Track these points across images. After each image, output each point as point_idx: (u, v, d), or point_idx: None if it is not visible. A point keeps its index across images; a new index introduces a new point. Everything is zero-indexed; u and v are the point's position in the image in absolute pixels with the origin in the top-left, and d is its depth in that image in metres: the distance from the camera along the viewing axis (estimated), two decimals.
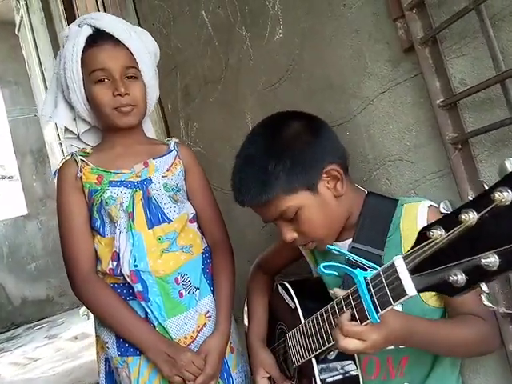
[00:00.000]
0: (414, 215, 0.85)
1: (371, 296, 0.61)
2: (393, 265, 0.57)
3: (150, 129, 1.30)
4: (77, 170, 1.09)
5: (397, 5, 0.93)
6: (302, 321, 0.86)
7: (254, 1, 1.34)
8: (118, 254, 1.05)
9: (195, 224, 1.18)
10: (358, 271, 0.65)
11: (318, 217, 0.86)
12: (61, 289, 4.85)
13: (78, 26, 1.14)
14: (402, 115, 0.99)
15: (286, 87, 1.30)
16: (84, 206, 1.10)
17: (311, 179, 0.84)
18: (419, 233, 0.54)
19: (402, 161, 1.02)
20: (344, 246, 0.91)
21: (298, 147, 0.85)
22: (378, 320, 0.62)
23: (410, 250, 0.55)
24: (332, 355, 0.80)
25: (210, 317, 1.11)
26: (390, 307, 0.59)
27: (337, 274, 0.69)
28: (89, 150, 1.15)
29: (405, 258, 0.55)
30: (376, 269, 0.65)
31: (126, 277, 1.04)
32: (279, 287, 1.03)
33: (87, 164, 1.10)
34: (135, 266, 1.04)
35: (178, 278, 1.08)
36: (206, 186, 1.22)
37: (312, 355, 0.80)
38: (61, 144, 3.56)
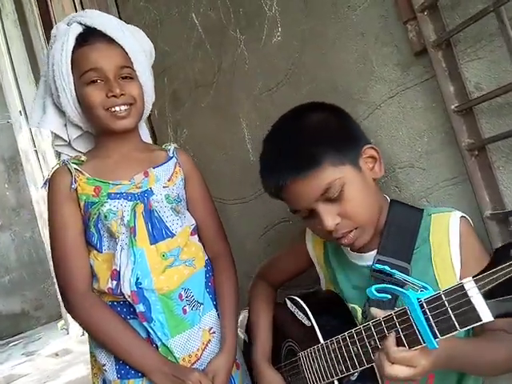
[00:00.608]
0: (445, 227, 0.81)
1: (427, 319, 0.57)
2: (461, 287, 0.53)
3: (147, 133, 1.24)
4: (71, 180, 1.01)
5: (407, 7, 0.90)
6: (321, 340, 0.81)
7: (249, 3, 1.30)
8: (119, 273, 0.98)
9: (196, 236, 1.12)
10: (410, 292, 0.60)
11: (361, 196, 0.82)
12: (36, 302, 4.65)
13: (67, 24, 1.06)
14: (413, 121, 0.96)
15: (285, 91, 1.25)
16: (79, 219, 1.02)
17: (354, 155, 0.83)
18: (495, 253, 0.49)
19: (412, 168, 0.98)
20: (369, 257, 0.87)
21: (338, 124, 0.85)
22: (437, 346, 0.57)
23: (484, 271, 0.50)
24: (354, 376, 0.75)
25: (214, 333, 1.06)
26: (453, 333, 0.55)
27: (390, 297, 0.64)
28: (83, 157, 1.06)
29: (476, 280, 0.51)
30: (427, 289, 0.61)
31: (127, 297, 0.97)
32: (288, 302, 0.98)
33: (82, 173, 1.03)
34: (139, 283, 0.97)
35: (182, 293, 1.02)
36: (207, 195, 1.16)
37: (336, 377, 0.75)
38: (36, 151, 3.41)
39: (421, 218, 0.86)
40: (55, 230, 1.02)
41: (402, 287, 0.79)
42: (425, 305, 0.58)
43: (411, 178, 0.99)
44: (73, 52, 1.01)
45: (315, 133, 0.82)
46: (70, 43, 1.01)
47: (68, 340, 3.45)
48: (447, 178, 0.93)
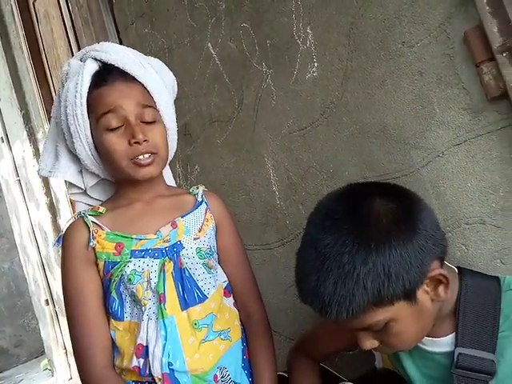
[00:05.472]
0: None
1: None
2: None
3: (170, 176, 1.09)
4: (88, 237, 0.87)
5: (482, 47, 0.80)
6: None
7: (278, 34, 1.18)
8: (146, 348, 0.83)
9: (231, 299, 0.97)
10: None
11: (410, 328, 0.70)
12: (16, 338, 4.33)
13: (80, 60, 0.93)
14: (486, 172, 0.85)
15: (321, 132, 1.13)
16: (98, 283, 0.88)
17: (411, 289, 0.66)
18: None
19: (484, 224, 0.87)
20: (444, 343, 0.75)
21: (393, 250, 0.65)
22: None
23: None
24: None
25: None
26: None
27: None
28: (101, 209, 0.91)
29: None
30: None
31: (157, 379, 0.82)
32: None
33: (101, 228, 0.88)
34: (170, 364, 0.82)
35: (217, 374, 0.88)
36: (241, 246, 1.02)
37: None
38: (19, 181, 3.20)
39: (499, 291, 0.74)
40: (72, 299, 0.88)
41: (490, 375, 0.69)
42: None
43: (482, 235, 0.88)
44: (89, 93, 0.88)
45: (361, 267, 0.64)
46: (85, 83, 0.88)
47: (53, 383, 3.19)
48: None
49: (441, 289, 0.70)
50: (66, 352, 3.04)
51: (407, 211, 0.69)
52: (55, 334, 3.16)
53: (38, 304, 3.45)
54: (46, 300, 3.14)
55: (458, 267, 0.80)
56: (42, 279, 3.16)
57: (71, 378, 2.97)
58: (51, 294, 3.15)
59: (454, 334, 0.73)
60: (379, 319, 0.67)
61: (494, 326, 0.71)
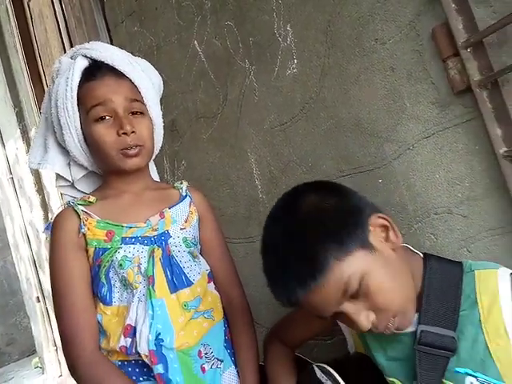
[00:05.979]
0: (494, 287, 0.71)
1: None
2: None
3: (154, 171, 1.14)
4: (79, 224, 0.90)
5: (448, 43, 0.83)
6: None
7: (260, 32, 1.22)
8: (134, 329, 0.86)
9: (212, 284, 1.01)
10: None
11: (387, 279, 0.71)
12: (7, 337, 4.33)
13: (71, 57, 0.98)
14: (452, 164, 0.89)
15: (301, 127, 1.17)
16: (87, 268, 0.91)
17: (361, 234, 0.71)
18: None
19: (451, 214, 0.90)
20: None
21: (332, 209, 0.72)
22: None
23: None
24: None
25: None
26: None
27: None
28: (92, 198, 0.95)
29: None
30: None
31: (144, 357, 0.85)
32: (317, 370, 0.87)
33: (91, 216, 0.91)
34: (160, 340, 0.85)
35: (201, 349, 0.92)
36: (222, 238, 1.07)
37: None
38: (12, 179, 3.22)
39: (461, 273, 0.77)
40: (61, 284, 0.89)
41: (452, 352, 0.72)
42: None
43: (449, 225, 0.91)
44: (79, 87, 0.92)
45: (309, 232, 0.71)
46: (76, 78, 0.92)
47: (44, 381, 3.19)
48: (493, 227, 0.85)
49: (391, 233, 0.74)
50: (57, 349, 3.05)
51: (332, 186, 0.79)
52: (46, 331, 3.18)
53: (30, 302, 3.47)
54: (37, 297, 3.16)
55: (424, 253, 0.83)
56: (34, 276, 3.17)
57: (61, 375, 2.98)
58: (42, 291, 3.16)
59: (418, 314, 0.76)
60: (349, 274, 0.68)
61: (456, 305, 0.74)
